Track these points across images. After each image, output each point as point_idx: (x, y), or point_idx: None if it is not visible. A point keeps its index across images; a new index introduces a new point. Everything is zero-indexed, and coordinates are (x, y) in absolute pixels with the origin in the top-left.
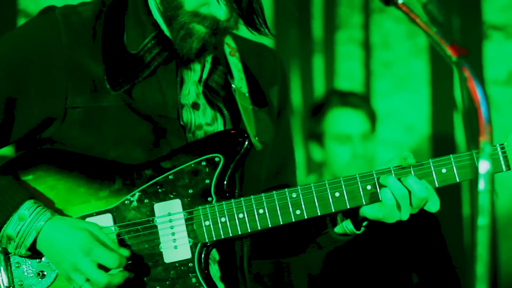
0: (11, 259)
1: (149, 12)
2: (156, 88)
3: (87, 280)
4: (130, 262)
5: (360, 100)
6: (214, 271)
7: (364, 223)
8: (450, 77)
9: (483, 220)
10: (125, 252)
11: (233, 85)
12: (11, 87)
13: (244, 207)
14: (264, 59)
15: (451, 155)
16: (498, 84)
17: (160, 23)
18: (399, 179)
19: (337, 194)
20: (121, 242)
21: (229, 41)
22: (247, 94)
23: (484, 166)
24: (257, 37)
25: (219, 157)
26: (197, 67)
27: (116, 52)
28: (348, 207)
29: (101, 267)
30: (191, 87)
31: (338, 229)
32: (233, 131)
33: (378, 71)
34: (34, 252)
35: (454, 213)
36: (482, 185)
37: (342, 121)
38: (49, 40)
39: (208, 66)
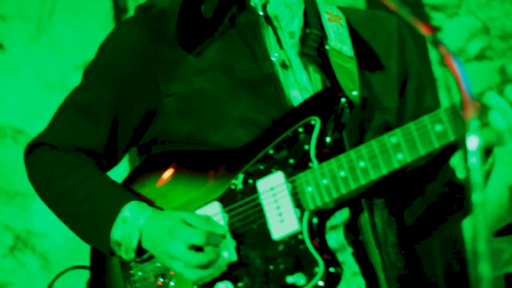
0: (133, 268)
1: None
2: (240, 44)
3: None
4: (242, 247)
5: None
6: (349, 258)
7: (490, 159)
8: None
9: (477, 197)
10: (218, 229)
11: (326, 46)
12: (109, 95)
13: (344, 163)
14: (378, 24)
15: None
16: (443, 64)
17: None
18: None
19: (438, 128)
20: (232, 228)
21: (332, 10)
22: (353, 57)
23: (473, 141)
24: None
25: (314, 119)
26: (279, 22)
27: (192, 21)
28: (452, 139)
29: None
30: (276, 45)
31: (460, 174)
32: (324, 90)
33: None
34: (146, 254)
35: None
36: (473, 160)
37: None
38: (132, 36)
39: (292, 27)
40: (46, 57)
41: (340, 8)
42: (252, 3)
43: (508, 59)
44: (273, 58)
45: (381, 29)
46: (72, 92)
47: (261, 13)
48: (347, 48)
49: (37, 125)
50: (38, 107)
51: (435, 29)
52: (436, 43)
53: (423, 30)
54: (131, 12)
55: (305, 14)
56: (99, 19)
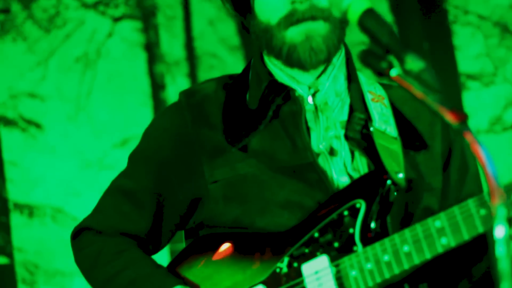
0: None
1: (263, 64)
2: (281, 134)
3: None
4: None
5: None
6: None
7: None
8: None
9: (506, 286)
10: None
11: (371, 128)
12: (154, 182)
13: (388, 248)
14: (422, 102)
15: None
16: (480, 133)
17: (272, 70)
18: None
19: (482, 212)
20: None
21: (375, 89)
22: (397, 138)
23: (500, 230)
24: None
25: (360, 203)
26: (328, 111)
27: (236, 111)
28: (495, 225)
29: None
30: (325, 133)
31: None
32: (370, 173)
33: None
34: None
35: None
36: (500, 250)
37: None
38: (175, 123)
39: (343, 117)
40: (84, 136)
41: (383, 85)
42: (297, 94)
43: None
44: (320, 146)
45: (425, 107)
46: (117, 177)
47: (310, 102)
48: (391, 129)
49: (76, 204)
50: (77, 186)
51: (462, 117)
52: (463, 130)
53: (450, 118)
54: (168, 90)
55: (350, 99)
56: (137, 96)
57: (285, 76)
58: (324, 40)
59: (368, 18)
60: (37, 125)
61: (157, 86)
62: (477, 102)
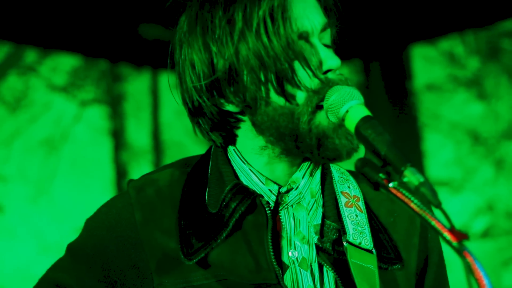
0: None
1: (227, 158)
2: (243, 249)
3: None
4: None
5: None
6: None
7: None
8: None
9: None
10: None
11: (344, 243)
12: (96, 283)
13: None
14: (399, 205)
15: None
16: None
17: (239, 166)
18: None
19: None
20: None
21: (350, 189)
22: (374, 251)
23: None
24: None
25: None
26: (301, 213)
27: (194, 213)
28: None
29: None
30: (295, 239)
31: None
32: None
33: None
34: None
35: None
36: None
37: None
38: (122, 223)
39: (317, 221)
40: (45, 220)
41: (358, 181)
42: (264, 201)
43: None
44: (290, 254)
45: (402, 212)
46: (53, 268)
47: (281, 202)
48: (367, 240)
49: None
50: (34, 271)
51: (462, 237)
52: (462, 250)
53: (449, 236)
54: (132, 177)
55: (323, 203)
56: (100, 182)
57: (256, 175)
58: None
59: (366, 127)
60: None
61: (121, 174)
62: (446, 209)
